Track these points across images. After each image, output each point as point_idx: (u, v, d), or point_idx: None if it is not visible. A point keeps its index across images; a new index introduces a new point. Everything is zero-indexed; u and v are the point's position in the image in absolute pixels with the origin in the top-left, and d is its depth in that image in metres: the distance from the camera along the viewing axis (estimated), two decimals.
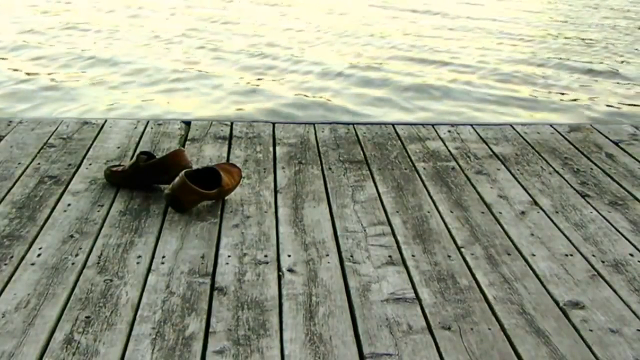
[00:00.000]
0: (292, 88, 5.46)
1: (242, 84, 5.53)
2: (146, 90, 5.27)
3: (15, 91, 5.11)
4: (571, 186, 2.60)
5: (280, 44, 6.92)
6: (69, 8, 8.64)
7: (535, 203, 2.44)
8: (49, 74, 5.62)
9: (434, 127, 3.19)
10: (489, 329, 1.73)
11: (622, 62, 6.69)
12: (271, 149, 2.86)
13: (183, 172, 2.27)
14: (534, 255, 2.09)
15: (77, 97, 5.01)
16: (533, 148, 2.98)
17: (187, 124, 3.13)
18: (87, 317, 1.71)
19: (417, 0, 10.12)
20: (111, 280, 1.87)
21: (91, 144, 2.85)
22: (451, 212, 2.34)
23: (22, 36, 6.92)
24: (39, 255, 1.99)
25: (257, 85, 5.50)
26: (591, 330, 1.74)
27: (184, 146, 2.87)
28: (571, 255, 2.10)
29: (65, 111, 4.69)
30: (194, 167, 2.59)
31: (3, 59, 6.08)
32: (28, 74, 5.61)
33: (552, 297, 1.88)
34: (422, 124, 3.25)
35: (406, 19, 8.71)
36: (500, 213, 2.35)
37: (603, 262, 2.07)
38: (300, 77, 5.77)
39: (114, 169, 2.48)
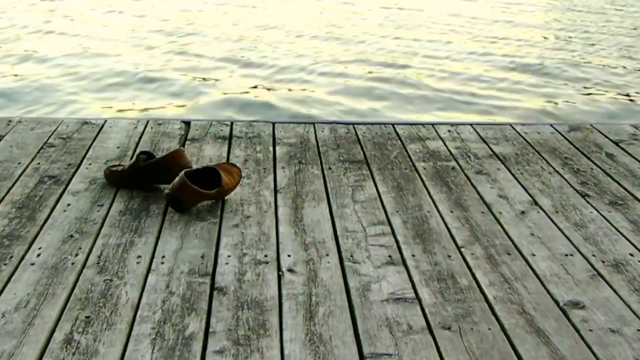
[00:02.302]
0: None
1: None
2: None
3: None
4: (571, 186, 2.60)
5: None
6: None
7: (535, 203, 2.44)
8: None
9: (434, 127, 3.19)
10: (489, 328, 1.73)
11: None
12: (271, 148, 2.86)
13: (183, 172, 2.27)
14: (534, 255, 2.09)
15: None
16: (533, 148, 2.97)
17: (187, 123, 3.13)
18: (87, 317, 1.71)
19: None
20: (111, 280, 1.87)
21: (91, 144, 2.85)
22: (451, 212, 2.34)
23: None
24: (38, 255, 1.98)
25: None
26: (591, 330, 1.73)
27: (183, 146, 2.87)
28: (571, 255, 2.10)
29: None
30: (194, 167, 2.59)
31: None
32: None
33: (552, 297, 1.88)
34: (422, 124, 3.25)
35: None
36: (500, 213, 2.35)
37: (603, 262, 2.06)
38: None
39: (114, 168, 2.47)
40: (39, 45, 6.88)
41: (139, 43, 7.12)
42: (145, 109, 5.04)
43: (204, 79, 5.84)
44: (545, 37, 7.93)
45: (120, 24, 8.17)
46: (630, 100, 5.61)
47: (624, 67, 6.66)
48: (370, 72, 6.14)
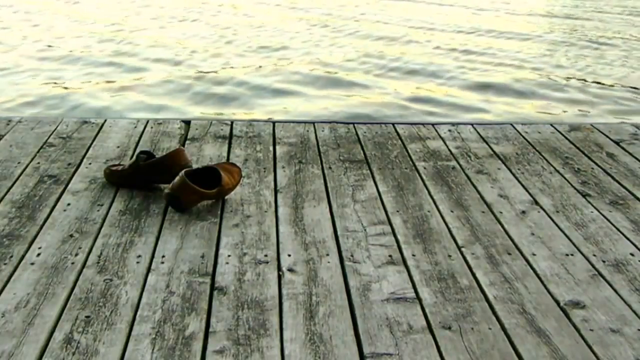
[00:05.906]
0: None
1: None
2: None
3: None
4: (572, 186, 2.60)
5: None
6: None
7: (536, 202, 2.44)
8: None
9: (434, 127, 3.19)
10: (490, 328, 1.72)
11: None
12: (271, 148, 2.86)
13: (183, 171, 2.27)
14: (534, 254, 2.08)
15: None
16: (534, 147, 2.97)
17: (187, 123, 3.13)
18: (87, 317, 1.71)
19: None
20: (111, 280, 1.87)
21: (91, 144, 2.85)
22: (451, 211, 2.34)
23: None
24: (38, 254, 1.98)
25: None
26: (592, 330, 1.73)
27: (183, 145, 2.87)
28: (572, 254, 2.10)
29: None
30: (194, 166, 2.59)
31: None
32: None
33: (552, 296, 1.87)
34: (423, 124, 3.25)
35: None
36: (501, 212, 2.35)
37: (604, 261, 2.06)
38: None
39: (114, 168, 2.47)
40: None
41: None
42: None
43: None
44: None
45: None
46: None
47: None
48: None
